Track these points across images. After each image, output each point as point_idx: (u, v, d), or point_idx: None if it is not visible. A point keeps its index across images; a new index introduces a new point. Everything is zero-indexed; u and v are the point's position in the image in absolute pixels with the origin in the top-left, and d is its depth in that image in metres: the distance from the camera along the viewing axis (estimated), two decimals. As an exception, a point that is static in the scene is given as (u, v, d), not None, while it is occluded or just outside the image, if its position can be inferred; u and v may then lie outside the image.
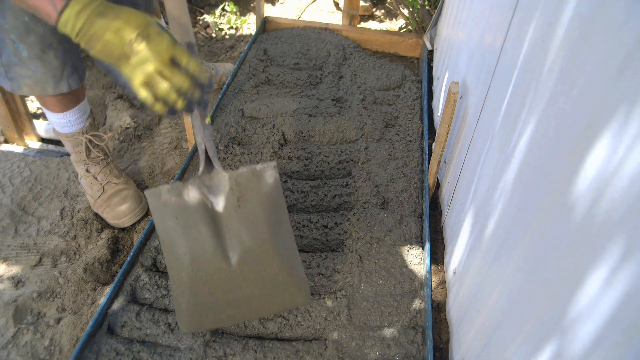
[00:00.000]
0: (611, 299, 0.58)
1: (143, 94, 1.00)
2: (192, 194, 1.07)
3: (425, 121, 2.01)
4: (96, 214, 1.80)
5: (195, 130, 1.13)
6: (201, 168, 1.12)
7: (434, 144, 1.73)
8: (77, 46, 1.51)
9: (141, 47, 0.97)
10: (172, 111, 1.05)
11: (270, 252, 1.12)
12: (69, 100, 1.61)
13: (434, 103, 2.21)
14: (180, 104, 1.03)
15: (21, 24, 1.37)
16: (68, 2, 0.96)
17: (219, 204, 1.09)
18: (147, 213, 1.82)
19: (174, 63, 1.01)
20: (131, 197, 1.76)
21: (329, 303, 1.39)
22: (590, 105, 0.70)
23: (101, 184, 1.75)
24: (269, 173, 1.09)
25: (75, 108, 1.65)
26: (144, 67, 0.98)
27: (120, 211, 1.73)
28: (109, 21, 0.96)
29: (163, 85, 0.99)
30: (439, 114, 1.98)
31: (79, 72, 1.57)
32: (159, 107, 1.03)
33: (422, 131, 1.98)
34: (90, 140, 1.71)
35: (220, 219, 1.09)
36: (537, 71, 0.92)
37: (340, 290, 1.44)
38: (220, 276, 1.12)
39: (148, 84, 1.00)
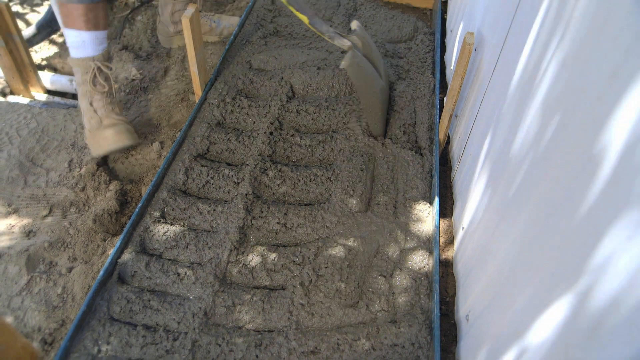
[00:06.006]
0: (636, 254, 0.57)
1: None
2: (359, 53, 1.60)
3: (437, 75, 1.96)
4: (105, 165, 1.80)
5: (319, 29, 1.60)
6: (346, 42, 1.60)
7: (445, 98, 1.69)
8: None
9: None
10: None
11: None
12: (88, 19, 1.64)
13: (446, 56, 2.15)
14: None
15: None
16: None
17: (366, 52, 1.66)
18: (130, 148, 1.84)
19: None
20: (121, 126, 1.77)
21: (333, 251, 1.40)
22: (619, 50, 0.66)
23: (100, 118, 1.78)
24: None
25: (93, 31, 1.69)
26: None
27: (108, 134, 1.76)
28: None
29: None
30: (452, 67, 1.93)
31: None
32: None
33: (434, 85, 1.93)
34: (99, 69, 1.74)
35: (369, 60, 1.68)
36: (564, 16, 0.87)
37: (347, 242, 1.45)
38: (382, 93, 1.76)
39: None
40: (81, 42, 1.70)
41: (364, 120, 1.76)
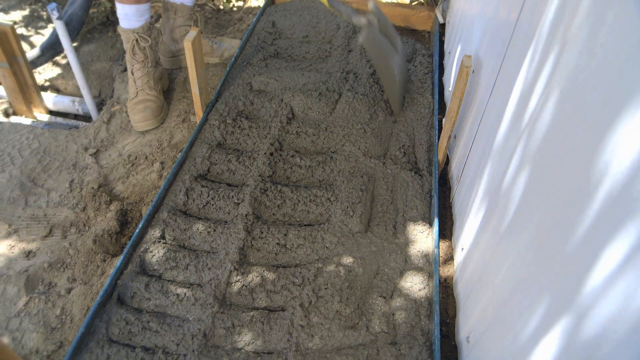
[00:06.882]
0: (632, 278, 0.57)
1: None
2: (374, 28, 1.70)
3: (436, 96, 1.98)
4: (105, 186, 1.81)
5: (337, 8, 1.72)
6: (362, 19, 1.68)
7: (444, 119, 1.71)
8: None
9: None
10: None
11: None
12: None
13: (445, 77, 2.18)
14: None
15: None
16: None
17: (382, 29, 1.74)
18: (163, 123, 2.07)
19: None
20: (149, 108, 2.02)
21: (333, 272, 1.40)
22: (614, 72, 0.67)
23: (136, 89, 2.03)
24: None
25: (134, 5, 1.91)
26: None
27: (137, 118, 2.02)
28: None
29: None
30: (450, 88, 1.95)
31: None
32: None
33: (433, 106, 1.95)
34: (137, 41, 1.96)
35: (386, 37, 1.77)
36: (558, 41, 0.89)
37: (346, 263, 1.45)
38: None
39: None
40: (124, 14, 1.92)
41: (362, 142, 1.78)
